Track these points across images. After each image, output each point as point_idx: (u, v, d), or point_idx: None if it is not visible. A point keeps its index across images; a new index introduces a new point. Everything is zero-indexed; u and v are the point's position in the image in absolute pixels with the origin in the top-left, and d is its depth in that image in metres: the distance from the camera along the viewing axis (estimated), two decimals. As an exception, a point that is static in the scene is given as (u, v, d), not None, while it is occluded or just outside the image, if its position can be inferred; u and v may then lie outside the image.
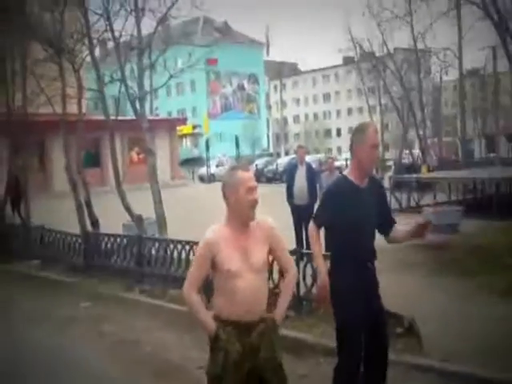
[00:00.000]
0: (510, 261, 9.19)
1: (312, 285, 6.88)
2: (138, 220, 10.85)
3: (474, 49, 36.69)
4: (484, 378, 4.85)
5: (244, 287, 3.20)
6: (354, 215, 3.82)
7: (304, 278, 6.97)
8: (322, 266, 3.92)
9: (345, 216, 3.78)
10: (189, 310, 3.35)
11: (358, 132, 3.91)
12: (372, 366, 3.92)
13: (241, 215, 3.24)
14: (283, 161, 36.97)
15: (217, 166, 41.24)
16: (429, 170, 25.50)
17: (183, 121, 46.48)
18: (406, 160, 33.04)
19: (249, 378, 3.25)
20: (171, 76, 11.99)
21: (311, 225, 3.97)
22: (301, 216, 10.61)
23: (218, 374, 3.19)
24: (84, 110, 13.99)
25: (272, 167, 37.23)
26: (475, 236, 12.08)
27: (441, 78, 47.49)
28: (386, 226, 4.02)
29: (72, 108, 12.55)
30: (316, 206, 4.03)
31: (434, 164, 31.11)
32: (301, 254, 7.14)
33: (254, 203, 3.24)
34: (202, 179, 39.82)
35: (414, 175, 20.64)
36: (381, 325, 3.95)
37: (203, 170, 41.58)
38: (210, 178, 37.55)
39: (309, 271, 6.94)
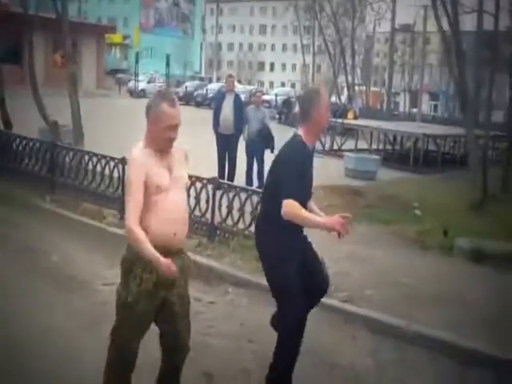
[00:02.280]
0: (419, 212, 9.63)
1: (227, 216, 6.89)
2: (53, 126, 10.38)
3: (408, 5, 37.07)
4: (387, 324, 5.05)
5: (172, 202, 3.17)
6: (309, 179, 3.81)
7: (220, 208, 6.96)
8: (317, 219, 3.74)
9: (305, 181, 3.73)
10: (134, 244, 3.12)
11: (313, 95, 3.84)
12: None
13: (157, 144, 3.17)
14: (214, 86, 36.35)
15: (148, 82, 40.29)
16: (355, 117, 25.88)
17: (112, 29, 44.41)
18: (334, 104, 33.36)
19: (162, 304, 3.23)
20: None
21: (293, 203, 3.60)
22: (225, 145, 10.55)
23: (130, 301, 3.12)
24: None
25: (202, 91, 36.60)
26: (390, 185, 12.52)
27: (374, 28, 47.87)
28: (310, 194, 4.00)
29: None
30: (284, 179, 3.67)
31: (359, 111, 31.60)
32: (219, 183, 7.08)
33: (171, 141, 3.16)
34: (131, 93, 38.65)
35: (340, 120, 20.88)
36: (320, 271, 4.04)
37: (132, 84, 40.37)
38: (139, 94, 36.46)
39: (224, 202, 6.93)
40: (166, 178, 3.16)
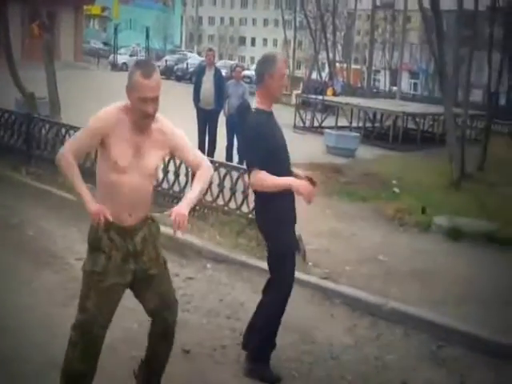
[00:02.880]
0: (397, 189, 9.68)
1: (206, 191, 6.81)
2: (30, 98, 10.17)
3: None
4: (365, 301, 5.06)
5: (129, 187, 2.95)
6: (280, 144, 3.77)
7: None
8: (284, 179, 3.70)
9: (274, 147, 3.69)
10: (63, 173, 2.96)
11: (269, 61, 3.79)
12: None
13: (133, 115, 2.94)
14: (194, 61, 35.91)
15: (131, 55, 39.67)
16: (334, 94, 25.82)
17: (91, 0, 43.42)
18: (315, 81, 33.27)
19: (135, 276, 3.08)
20: None
21: (260, 175, 3.59)
22: (205, 120, 10.44)
23: (99, 272, 2.98)
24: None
25: (182, 65, 36.15)
26: (370, 162, 12.57)
27: (355, 5, 47.58)
28: None
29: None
30: (250, 152, 3.75)
31: (340, 88, 31.56)
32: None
33: (147, 115, 2.92)
34: (111, 66, 37.98)
35: (320, 97, 20.82)
36: None
37: (112, 57, 39.69)
38: (121, 67, 35.77)
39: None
40: (127, 157, 2.93)
